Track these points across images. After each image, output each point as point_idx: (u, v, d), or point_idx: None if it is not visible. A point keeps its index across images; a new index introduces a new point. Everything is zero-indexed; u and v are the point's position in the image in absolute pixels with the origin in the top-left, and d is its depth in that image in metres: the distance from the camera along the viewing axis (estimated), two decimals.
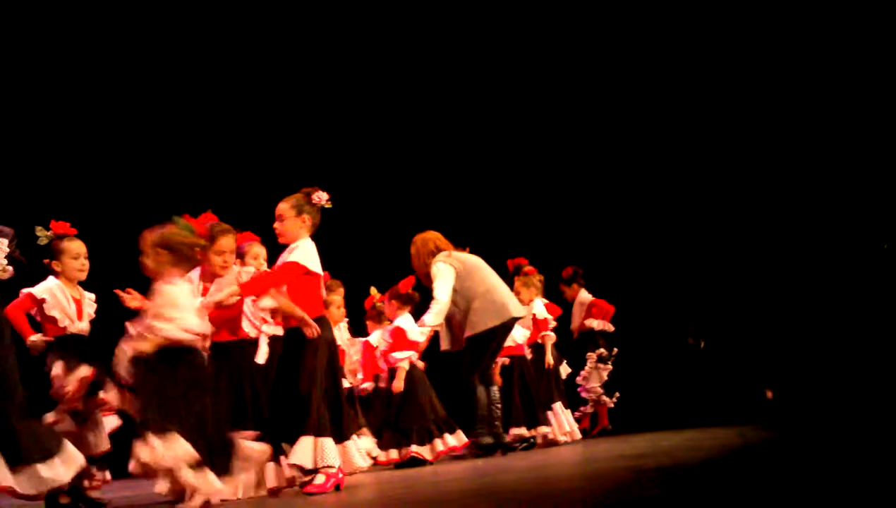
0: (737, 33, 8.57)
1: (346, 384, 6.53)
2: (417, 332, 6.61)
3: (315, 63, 9.51)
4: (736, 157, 8.65)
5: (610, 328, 8.32)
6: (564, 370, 8.12)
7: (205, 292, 5.03)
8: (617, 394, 8.16)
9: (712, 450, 5.18)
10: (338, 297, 6.83)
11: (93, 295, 5.27)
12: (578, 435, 7.71)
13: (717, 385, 8.14)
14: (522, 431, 7.26)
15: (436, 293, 6.63)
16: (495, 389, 6.85)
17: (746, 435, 5.76)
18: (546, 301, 8.05)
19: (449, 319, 6.70)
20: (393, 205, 9.47)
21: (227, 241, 5.11)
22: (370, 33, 9.50)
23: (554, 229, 9.30)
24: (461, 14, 9.40)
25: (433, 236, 6.91)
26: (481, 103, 9.71)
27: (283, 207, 4.94)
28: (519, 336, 7.43)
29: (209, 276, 5.09)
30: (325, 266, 5.07)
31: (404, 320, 6.81)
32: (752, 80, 8.42)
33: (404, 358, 6.68)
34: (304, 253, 4.85)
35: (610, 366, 8.27)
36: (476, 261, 6.87)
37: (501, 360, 7.33)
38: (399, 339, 6.73)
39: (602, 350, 8.21)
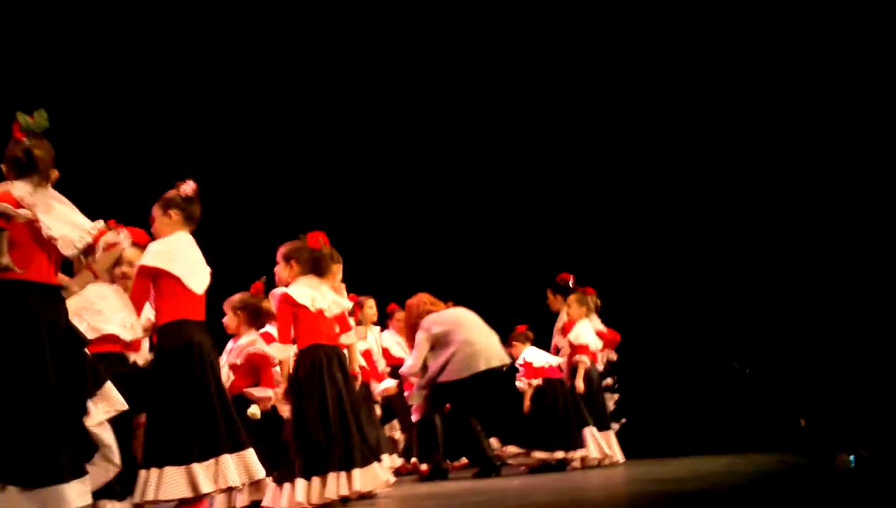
0: (743, 34, 8.50)
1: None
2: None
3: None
4: (767, 180, 8.56)
5: (613, 357, 8.21)
6: (612, 398, 8.05)
7: None
8: (623, 420, 8.07)
9: (748, 475, 5.14)
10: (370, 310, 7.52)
11: None
12: (619, 458, 7.63)
13: (759, 410, 8.02)
14: (543, 454, 7.33)
15: (410, 359, 7.38)
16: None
17: (786, 462, 5.69)
18: (597, 324, 8.00)
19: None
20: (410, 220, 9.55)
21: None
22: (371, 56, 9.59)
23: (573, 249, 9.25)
24: (459, 29, 9.45)
25: (421, 300, 7.42)
26: (497, 118, 9.70)
27: (153, 209, 4.80)
28: (551, 359, 7.63)
29: None
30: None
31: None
32: (783, 112, 8.35)
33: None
34: (151, 252, 4.62)
35: (616, 395, 8.15)
36: (457, 316, 7.32)
37: (536, 382, 7.47)
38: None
39: (608, 380, 8.09)
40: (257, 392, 5.32)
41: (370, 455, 5.01)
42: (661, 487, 4.88)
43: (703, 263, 8.84)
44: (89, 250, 3.98)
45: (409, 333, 7.57)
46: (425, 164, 9.73)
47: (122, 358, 4.46)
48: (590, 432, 7.44)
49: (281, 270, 5.25)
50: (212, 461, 4.39)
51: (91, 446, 3.79)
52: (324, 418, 4.92)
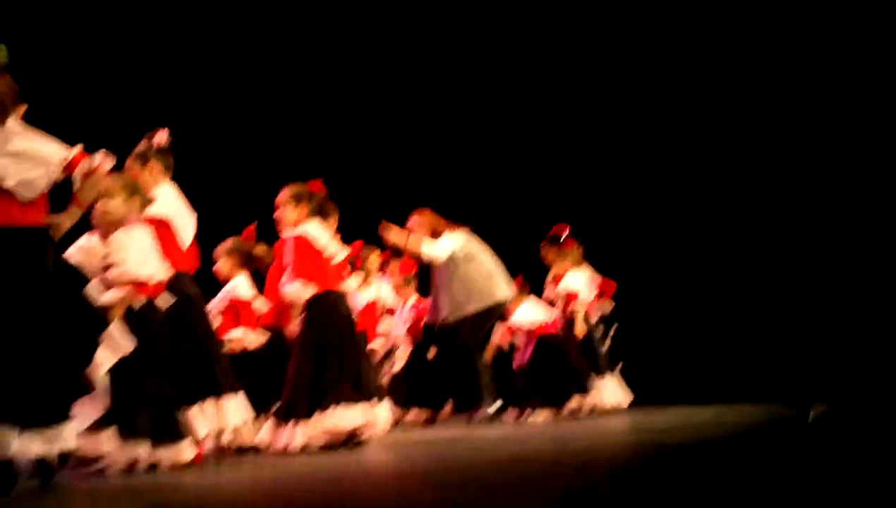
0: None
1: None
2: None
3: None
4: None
5: (608, 309, 8.24)
6: (605, 346, 8.13)
7: None
8: (621, 363, 8.12)
9: (736, 427, 5.22)
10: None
11: None
12: (624, 400, 7.76)
13: (751, 361, 8.09)
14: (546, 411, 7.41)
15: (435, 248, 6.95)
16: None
17: (774, 413, 5.78)
18: (588, 272, 8.04)
19: (442, 293, 6.95)
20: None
21: None
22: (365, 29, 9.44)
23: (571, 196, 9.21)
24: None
25: (429, 217, 7.11)
26: (491, 69, 9.55)
27: (129, 163, 4.73)
28: (541, 315, 7.57)
29: None
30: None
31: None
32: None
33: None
34: (160, 203, 4.63)
35: (608, 343, 8.21)
36: (473, 243, 7.10)
37: (518, 342, 7.60)
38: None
39: (601, 329, 8.15)
40: (228, 335, 5.42)
41: (373, 396, 5.12)
42: (654, 437, 4.96)
43: (698, 211, 8.85)
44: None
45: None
46: (415, 117, 9.64)
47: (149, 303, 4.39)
48: (592, 380, 7.55)
49: (289, 212, 5.22)
50: (206, 402, 4.60)
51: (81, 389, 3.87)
52: (331, 361, 5.01)
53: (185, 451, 4.28)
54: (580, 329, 7.57)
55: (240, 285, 5.53)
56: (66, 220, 3.84)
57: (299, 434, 4.89)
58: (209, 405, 4.65)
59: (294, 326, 5.28)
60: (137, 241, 4.33)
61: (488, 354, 7.87)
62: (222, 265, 5.60)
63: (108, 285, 4.22)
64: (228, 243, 5.64)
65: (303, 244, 5.14)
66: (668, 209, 9.12)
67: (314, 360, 5.01)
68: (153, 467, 4.20)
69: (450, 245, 6.96)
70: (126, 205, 4.32)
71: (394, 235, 6.92)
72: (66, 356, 3.76)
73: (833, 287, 7.54)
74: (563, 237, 7.90)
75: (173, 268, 4.56)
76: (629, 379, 8.08)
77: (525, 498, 2.82)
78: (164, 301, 4.42)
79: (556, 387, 7.33)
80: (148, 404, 4.19)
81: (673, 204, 9.10)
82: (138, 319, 4.22)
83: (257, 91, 9.11)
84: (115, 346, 3.98)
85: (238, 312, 5.50)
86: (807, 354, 6.48)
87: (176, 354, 4.52)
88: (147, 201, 4.46)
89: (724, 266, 8.58)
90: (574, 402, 7.34)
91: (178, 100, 8.16)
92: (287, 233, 5.22)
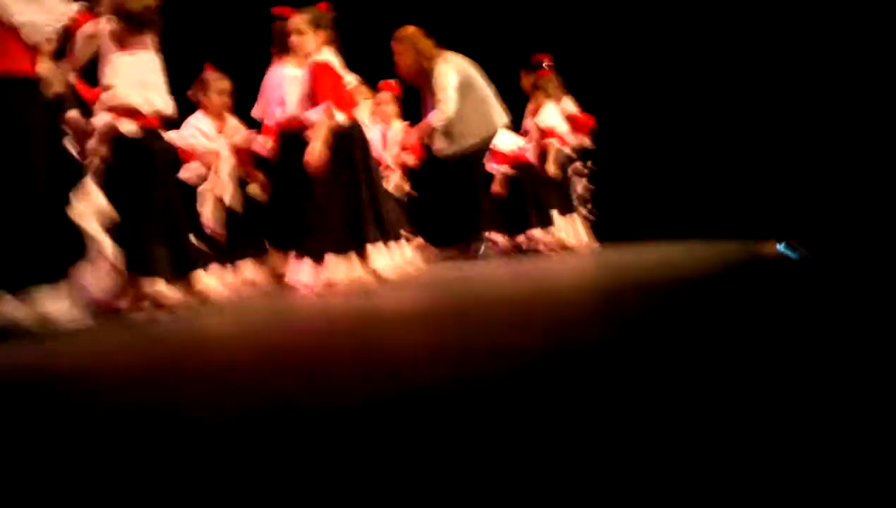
0: None
1: None
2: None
3: None
4: None
5: (587, 143, 8.02)
6: (581, 183, 7.96)
7: None
8: (591, 207, 7.99)
9: (719, 265, 5.13)
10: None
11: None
12: (585, 242, 7.63)
13: (729, 197, 7.96)
14: (513, 240, 7.32)
15: (443, 94, 6.42)
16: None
17: (754, 251, 5.69)
18: (568, 107, 7.79)
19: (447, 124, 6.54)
20: None
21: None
22: None
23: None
24: None
25: (420, 35, 6.52)
26: None
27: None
28: (519, 141, 7.41)
29: None
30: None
31: None
32: None
33: None
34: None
35: (584, 181, 8.04)
36: (469, 67, 6.67)
37: (504, 169, 7.33)
38: None
39: (578, 164, 7.95)
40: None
41: (396, 235, 5.16)
42: (630, 274, 4.88)
43: (684, 47, 8.52)
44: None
45: (416, 70, 6.51)
46: None
47: (156, 133, 4.35)
48: (557, 217, 7.40)
49: (308, 40, 5.01)
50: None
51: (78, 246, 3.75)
52: (355, 196, 4.91)
53: (199, 284, 4.30)
54: (552, 168, 7.37)
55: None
56: (58, 76, 3.92)
57: (328, 272, 4.80)
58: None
59: (315, 157, 4.94)
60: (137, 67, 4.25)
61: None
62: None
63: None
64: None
65: (328, 71, 4.97)
66: (654, 40, 8.76)
67: (345, 197, 4.87)
68: (165, 304, 4.17)
69: (452, 82, 6.48)
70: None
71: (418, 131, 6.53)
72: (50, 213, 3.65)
73: (821, 130, 7.33)
74: (545, 66, 7.60)
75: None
76: (604, 219, 7.97)
77: (522, 332, 2.69)
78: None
79: (516, 216, 7.25)
80: (154, 240, 4.14)
81: (659, 36, 8.73)
82: (134, 149, 4.17)
83: None
84: (90, 201, 3.88)
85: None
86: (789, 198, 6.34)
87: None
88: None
89: (712, 102, 8.31)
90: (530, 235, 7.26)
91: None
92: (313, 61, 5.01)
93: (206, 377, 2.42)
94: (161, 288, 4.11)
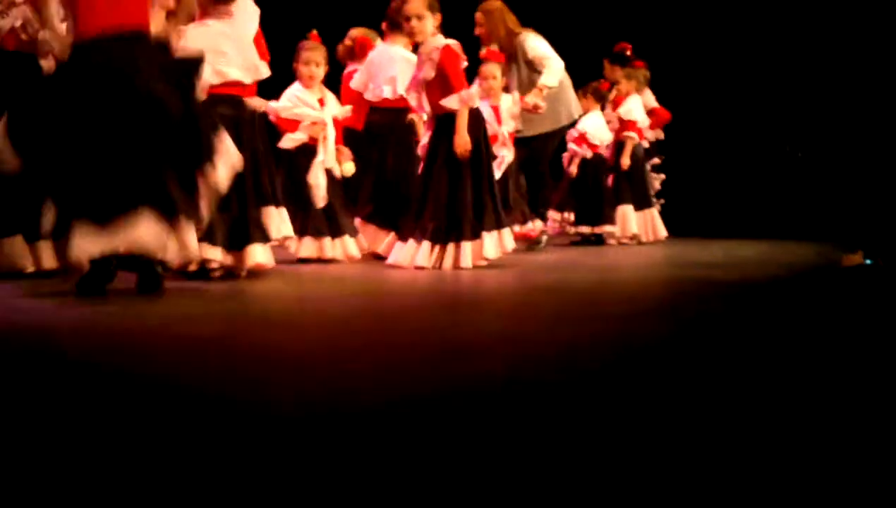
0: None
1: None
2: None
3: None
4: None
5: (661, 136, 8.00)
6: (658, 178, 7.99)
7: None
8: (662, 201, 7.98)
9: (783, 267, 5.16)
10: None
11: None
12: (662, 235, 7.65)
13: (807, 198, 7.92)
14: (583, 229, 7.34)
15: (548, 61, 6.25)
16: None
17: (824, 254, 5.69)
18: (649, 100, 7.80)
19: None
20: None
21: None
22: None
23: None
24: None
25: (507, 9, 6.36)
26: None
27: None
28: (606, 137, 7.37)
29: None
30: None
31: None
32: None
33: None
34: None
35: (661, 175, 8.04)
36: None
37: (586, 153, 7.31)
38: None
39: (654, 159, 7.95)
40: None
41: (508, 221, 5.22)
42: (697, 272, 4.94)
43: (763, 44, 8.45)
44: None
45: (507, 43, 6.27)
46: None
47: (237, 101, 4.39)
48: (623, 210, 7.42)
49: (427, 23, 5.02)
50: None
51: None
52: (487, 182, 5.00)
53: (259, 255, 4.33)
54: (627, 161, 7.40)
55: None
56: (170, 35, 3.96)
57: (453, 255, 4.90)
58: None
59: (462, 143, 4.95)
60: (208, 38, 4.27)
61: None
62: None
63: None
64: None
65: (458, 56, 5.03)
66: (722, 33, 8.69)
67: (472, 180, 4.95)
68: (231, 273, 4.29)
69: (551, 50, 6.31)
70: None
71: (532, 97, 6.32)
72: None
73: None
74: (630, 56, 7.60)
75: None
76: (673, 213, 7.99)
77: (575, 327, 2.83)
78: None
79: (588, 205, 7.28)
80: (221, 209, 4.08)
81: (727, 29, 8.66)
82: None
83: None
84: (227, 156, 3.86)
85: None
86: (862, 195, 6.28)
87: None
88: None
89: (784, 97, 8.26)
90: (598, 229, 7.30)
91: None
92: (442, 44, 5.01)
93: (272, 356, 2.59)
94: (216, 255, 4.18)
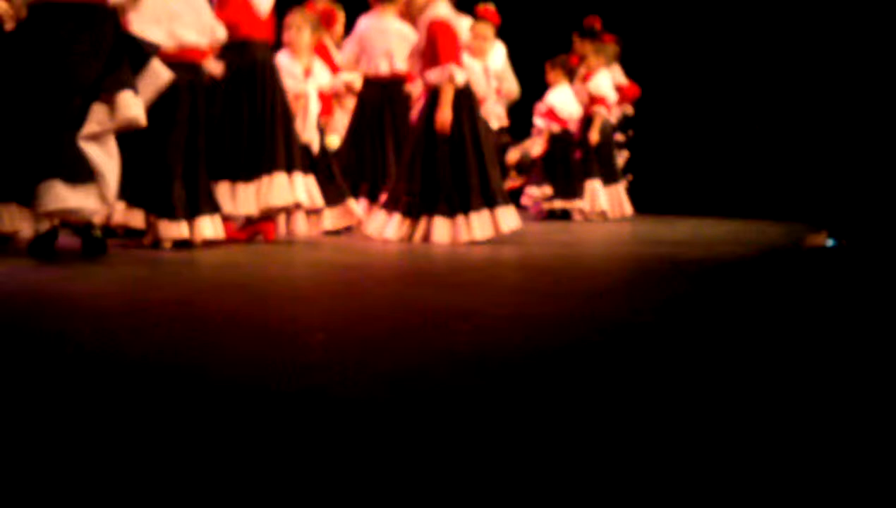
0: None
1: None
2: None
3: None
4: None
5: (630, 112, 7.95)
6: (621, 155, 7.95)
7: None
8: (630, 176, 7.95)
9: (746, 246, 5.13)
10: None
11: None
12: (628, 212, 7.63)
13: (779, 178, 7.88)
14: (556, 203, 7.30)
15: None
16: None
17: (792, 235, 5.68)
18: (617, 76, 7.73)
19: None
20: None
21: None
22: None
23: None
24: None
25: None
26: None
27: None
28: (574, 112, 7.31)
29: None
30: None
31: None
32: None
33: None
34: None
35: (626, 152, 7.99)
36: None
37: (555, 128, 7.26)
38: None
39: (620, 135, 7.89)
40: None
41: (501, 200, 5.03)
42: (663, 250, 4.90)
43: (733, 20, 8.38)
44: None
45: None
46: None
47: (195, 68, 4.29)
48: (591, 185, 7.38)
49: None
50: (263, 178, 4.50)
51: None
52: (488, 159, 4.91)
53: (210, 227, 4.27)
54: (595, 136, 7.35)
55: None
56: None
57: (423, 230, 4.81)
58: (265, 181, 4.54)
59: (444, 119, 4.84)
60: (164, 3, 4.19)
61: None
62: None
63: None
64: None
65: (448, 30, 4.85)
66: (705, 15, 8.62)
67: (453, 158, 4.83)
68: (186, 243, 4.22)
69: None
70: None
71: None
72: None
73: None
74: (600, 30, 7.53)
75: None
76: (642, 190, 7.95)
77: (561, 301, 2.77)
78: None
79: (560, 182, 7.25)
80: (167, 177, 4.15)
81: (711, 10, 8.60)
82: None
83: None
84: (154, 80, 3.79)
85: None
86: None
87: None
88: None
89: (753, 76, 8.20)
90: (564, 203, 7.25)
91: None
92: (427, 16, 4.86)
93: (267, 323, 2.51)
94: (174, 230, 4.16)
